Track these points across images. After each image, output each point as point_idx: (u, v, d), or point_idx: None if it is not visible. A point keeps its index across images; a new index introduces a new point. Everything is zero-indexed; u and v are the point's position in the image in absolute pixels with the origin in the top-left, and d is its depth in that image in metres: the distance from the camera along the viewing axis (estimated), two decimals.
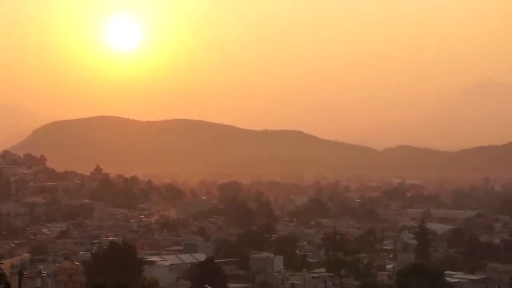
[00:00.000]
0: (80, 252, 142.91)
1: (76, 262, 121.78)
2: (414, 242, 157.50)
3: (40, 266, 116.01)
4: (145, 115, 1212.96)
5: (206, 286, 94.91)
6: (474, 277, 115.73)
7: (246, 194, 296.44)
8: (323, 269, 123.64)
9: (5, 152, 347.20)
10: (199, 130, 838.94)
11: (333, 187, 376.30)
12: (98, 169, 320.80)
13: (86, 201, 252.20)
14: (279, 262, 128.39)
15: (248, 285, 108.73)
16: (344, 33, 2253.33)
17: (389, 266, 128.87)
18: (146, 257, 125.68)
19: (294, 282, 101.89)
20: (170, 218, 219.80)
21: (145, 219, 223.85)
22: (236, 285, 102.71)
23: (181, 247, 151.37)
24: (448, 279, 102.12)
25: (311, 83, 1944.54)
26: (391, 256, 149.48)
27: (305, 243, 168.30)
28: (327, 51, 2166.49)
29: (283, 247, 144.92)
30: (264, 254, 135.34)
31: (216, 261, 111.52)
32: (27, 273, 76.78)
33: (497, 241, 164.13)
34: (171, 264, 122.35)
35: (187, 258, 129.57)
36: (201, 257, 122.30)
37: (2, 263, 64.34)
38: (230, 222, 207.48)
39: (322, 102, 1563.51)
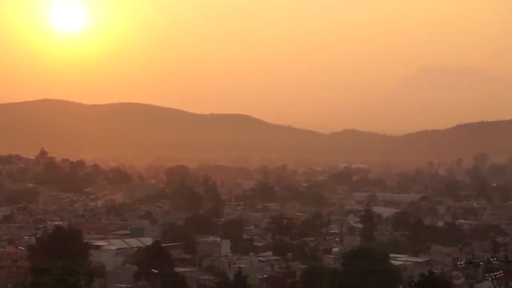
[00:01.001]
0: (25, 237, 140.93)
1: (20, 247, 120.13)
2: (360, 225, 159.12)
3: None
4: (91, 98, 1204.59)
5: (153, 270, 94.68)
6: (418, 259, 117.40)
7: (193, 178, 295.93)
8: (270, 253, 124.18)
9: None
10: (146, 114, 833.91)
11: (280, 171, 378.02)
12: (43, 153, 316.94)
13: (30, 185, 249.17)
14: (226, 246, 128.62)
15: (195, 269, 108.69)
16: (290, 16, 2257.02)
17: (335, 250, 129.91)
18: (92, 241, 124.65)
19: (241, 265, 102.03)
20: (117, 202, 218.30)
21: (91, 203, 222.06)
22: (183, 269, 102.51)
23: (128, 231, 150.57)
24: (393, 261, 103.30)
25: (259, 67, 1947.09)
26: (337, 239, 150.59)
27: (252, 227, 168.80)
28: (274, 35, 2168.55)
29: (230, 231, 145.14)
30: (211, 238, 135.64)
31: (163, 245, 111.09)
32: None
33: (440, 224, 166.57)
34: (117, 249, 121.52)
35: (134, 242, 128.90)
36: (147, 241, 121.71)
37: None
38: (177, 206, 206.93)
39: (270, 86, 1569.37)
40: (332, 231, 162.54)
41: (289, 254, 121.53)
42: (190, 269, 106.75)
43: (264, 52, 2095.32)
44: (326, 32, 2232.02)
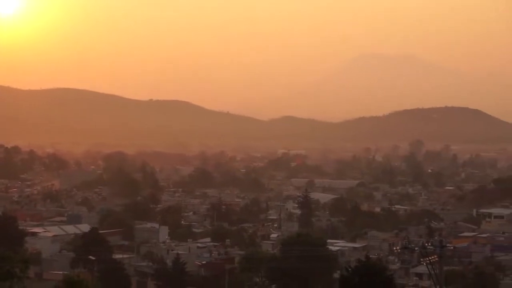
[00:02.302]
0: None
1: None
2: (298, 211, 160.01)
3: None
4: (27, 83, 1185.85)
5: (90, 257, 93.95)
6: (355, 245, 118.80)
7: (131, 164, 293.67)
8: (208, 239, 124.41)
9: None
10: (83, 100, 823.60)
11: (219, 157, 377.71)
12: None
13: None
14: (164, 233, 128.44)
15: (133, 256, 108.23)
16: (229, 1, 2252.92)
17: (273, 236, 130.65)
18: (28, 228, 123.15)
19: (179, 252, 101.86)
20: (53, 188, 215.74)
21: (27, 189, 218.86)
22: (120, 255, 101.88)
23: (65, 218, 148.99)
24: (331, 247, 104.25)
25: (197, 53, 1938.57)
26: (275, 225, 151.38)
27: (191, 213, 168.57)
28: (214, 21, 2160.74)
29: (168, 218, 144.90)
30: (149, 225, 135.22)
31: (100, 231, 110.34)
32: None
33: (377, 209, 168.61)
34: (54, 236, 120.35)
35: (71, 229, 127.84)
36: (85, 228, 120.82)
37: None
38: (115, 193, 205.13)
39: (208, 72, 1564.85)
40: (270, 217, 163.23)
41: (228, 240, 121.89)
42: (128, 255, 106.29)
43: (202, 37, 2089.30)
44: (265, 19, 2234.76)
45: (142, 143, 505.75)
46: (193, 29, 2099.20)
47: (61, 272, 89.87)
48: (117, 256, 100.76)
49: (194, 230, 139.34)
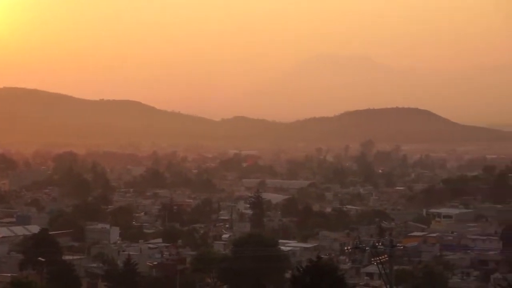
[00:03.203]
0: None
1: None
2: (249, 212, 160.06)
3: None
4: None
5: (40, 258, 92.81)
6: (306, 245, 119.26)
7: (81, 164, 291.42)
8: (159, 240, 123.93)
9: None
10: (32, 99, 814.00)
11: (170, 158, 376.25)
12: None
13: None
14: (115, 233, 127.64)
15: (84, 257, 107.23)
16: (183, 2, 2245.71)
17: (225, 236, 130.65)
18: None
19: (130, 253, 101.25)
20: (2, 189, 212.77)
21: None
22: (71, 257, 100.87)
23: (14, 219, 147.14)
24: (282, 247, 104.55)
25: (148, 52, 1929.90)
26: (227, 226, 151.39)
27: (142, 213, 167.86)
28: (165, 20, 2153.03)
29: (119, 218, 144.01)
30: (100, 225, 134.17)
31: (50, 233, 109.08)
32: None
33: (328, 210, 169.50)
34: (2, 237, 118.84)
35: (20, 230, 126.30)
36: (34, 229, 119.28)
37: None
38: (65, 193, 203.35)
39: (160, 72, 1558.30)
40: (222, 218, 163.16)
41: (179, 241, 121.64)
42: (79, 257, 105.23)
43: (154, 36, 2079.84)
44: (218, 18, 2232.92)
45: (93, 143, 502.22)
46: (145, 28, 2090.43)
47: (9, 274, 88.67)
48: (67, 257, 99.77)
49: (146, 230, 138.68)
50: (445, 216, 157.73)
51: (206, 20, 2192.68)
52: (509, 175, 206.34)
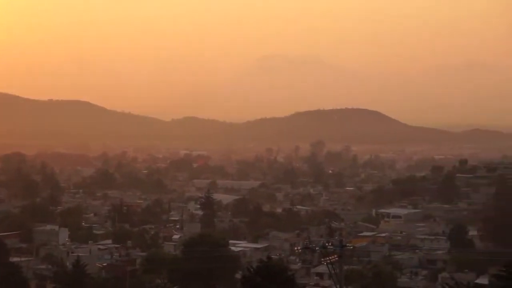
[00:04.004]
0: None
1: None
2: (200, 212, 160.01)
3: None
4: None
5: None
6: (257, 245, 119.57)
7: (30, 165, 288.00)
8: (109, 241, 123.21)
9: None
10: None
11: (120, 158, 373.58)
12: None
13: None
14: (64, 235, 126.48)
15: (32, 259, 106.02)
16: (131, 1, 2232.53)
17: (175, 237, 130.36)
18: None
19: (80, 254, 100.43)
20: None
21: None
22: (18, 258, 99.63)
23: None
24: (233, 248, 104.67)
25: (97, 52, 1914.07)
26: (177, 226, 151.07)
27: (91, 214, 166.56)
28: (113, 19, 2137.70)
29: (68, 219, 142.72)
30: (49, 227, 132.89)
31: None
32: None
33: (279, 210, 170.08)
34: None
35: None
36: None
37: None
38: (12, 194, 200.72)
39: (109, 72, 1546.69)
40: (172, 218, 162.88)
41: (129, 242, 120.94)
42: (27, 258, 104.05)
43: (103, 35, 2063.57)
44: (168, 17, 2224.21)
45: (42, 144, 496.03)
46: (93, 27, 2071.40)
47: None
48: (15, 259, 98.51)
49: (95, 232, 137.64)
50: (394, 216, 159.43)
51: (158, 18, 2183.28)
52: (457, 175, 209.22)
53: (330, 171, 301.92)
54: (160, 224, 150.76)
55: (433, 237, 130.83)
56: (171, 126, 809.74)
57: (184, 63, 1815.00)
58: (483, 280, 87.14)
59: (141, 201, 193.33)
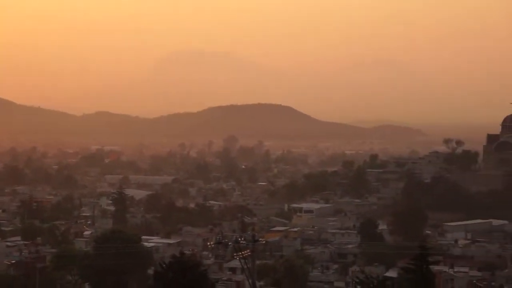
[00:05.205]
0: None
1: None
2: (112, 208, 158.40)
3: None
4: None
5: None
6: (170, 241, 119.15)
7: None
8: (18, 238, 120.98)
9: None
10: None
11: (30, 154, 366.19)
12: None
13: None
14: None
15: None
16: None
17: (87, 233, 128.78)
18: None
19: None
20: None
21: None
22: None
23: None
24: (145, 243, 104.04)
25: (7, 44, 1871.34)
26: (89, 222, 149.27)
27: (0, 211, 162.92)
28: (31, 11, 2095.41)
29: None
30: None
31: None
32: None
33: (192, 205, 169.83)
34: None
35: None
36: None
37: None
38: None
39: (18, 65, 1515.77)
40: (84, 214, 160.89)
41: (39, 239, 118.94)
42: None
43: (14, 29, 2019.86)
44: (82, 13, 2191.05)
45: None
46: (7, 21, 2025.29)
47: None
48: None
49: (4, 228, 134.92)
50: (306, 211, 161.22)
51: (71, 14, 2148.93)
52: (367, 170, 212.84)
53: (243, 166, 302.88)
54: (71, 220, 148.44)
55: (344, 231, 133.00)
56: (83, 121, 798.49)
57: (97, 57, 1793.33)
58: (392, 273, 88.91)
59: (52, 197, 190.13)
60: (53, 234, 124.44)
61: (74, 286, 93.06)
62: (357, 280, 71.00)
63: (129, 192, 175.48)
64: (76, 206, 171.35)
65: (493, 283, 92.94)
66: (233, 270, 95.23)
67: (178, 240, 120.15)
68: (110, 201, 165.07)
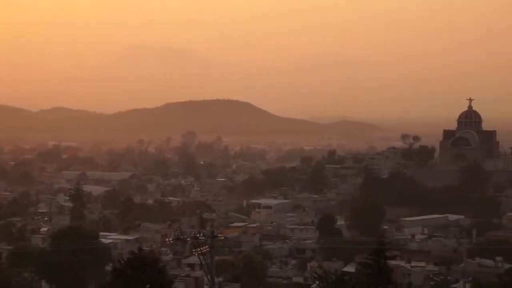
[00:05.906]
0: None
1: None
2: (69, 204, 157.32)
3: None
4: None
5: None
6: (128, 237, 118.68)
7: None
8: None
9: None
10: None
11: None
12: None
13: None
14: None
15: None
16: None
17: (43, 229, 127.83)
18: None
19: None
20: None
21: None
22: None
23: None
24: (103, 240, 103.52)
25: None
26: (45, 219, 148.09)
27: None
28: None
29: None
30: None
31: None
32: None
33: (150, 201, 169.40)
34: None
35: None
36: None
37: None
38: None
39: None
40: (40, 211, 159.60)
41: None
42: None
43: None
44: (37, 7, 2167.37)
45: None
46: None
47: None
48: None
49: None
50: (264, 207, 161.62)
51: (27, 5, 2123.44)
52: (325, 166, 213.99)
53: (201, 162, 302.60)
54: (28, 217, 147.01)
55: (302, 227, 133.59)
56: (39, 117, 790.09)
57: (52, 51, 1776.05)
58: (350, 268, 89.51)
59: (7, 193, 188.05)
60: (9, 231, 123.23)
61: (31, 283, 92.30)
62: (315, 276, 71.41)
63: (87, 188, 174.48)
64: (32, 203, 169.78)
65: (449, 277, 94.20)
66: (192, 266, 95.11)
67: (136, 236, 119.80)
68: (67, 197, 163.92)
